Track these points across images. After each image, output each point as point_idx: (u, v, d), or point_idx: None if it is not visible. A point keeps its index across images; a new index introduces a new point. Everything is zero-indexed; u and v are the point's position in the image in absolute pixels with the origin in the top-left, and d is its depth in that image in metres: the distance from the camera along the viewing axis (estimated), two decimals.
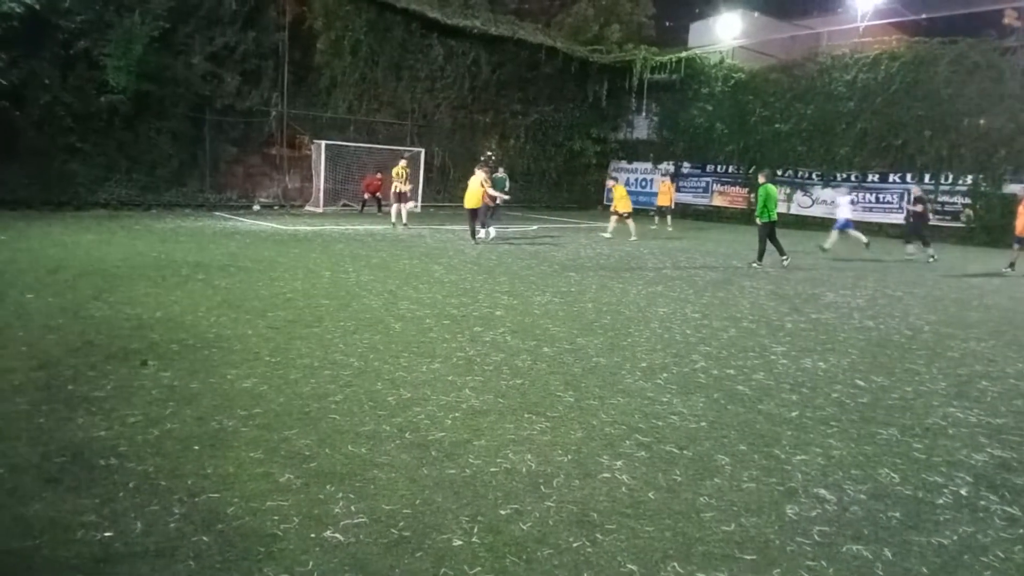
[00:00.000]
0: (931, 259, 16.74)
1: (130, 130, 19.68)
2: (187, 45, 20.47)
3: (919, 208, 17.57)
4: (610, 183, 20.07)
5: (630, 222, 18.90)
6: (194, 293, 8.55)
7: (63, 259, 10.61)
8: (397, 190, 18.74)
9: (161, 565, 2.91)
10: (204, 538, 3.12)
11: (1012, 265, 15.23)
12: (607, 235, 19.07)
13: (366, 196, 23.56)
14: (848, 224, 17.94)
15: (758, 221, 14.53)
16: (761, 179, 14.88)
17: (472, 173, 17.16)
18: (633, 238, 18.72)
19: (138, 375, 5.33)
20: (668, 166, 30.94)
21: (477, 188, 16.13)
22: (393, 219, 18.82)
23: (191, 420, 4.48)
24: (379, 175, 23.16)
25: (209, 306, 7.84)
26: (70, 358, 5.66)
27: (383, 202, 22.52)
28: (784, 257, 14.40)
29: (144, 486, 3.58)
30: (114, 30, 18.64)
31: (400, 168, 18.90)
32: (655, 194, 28.62)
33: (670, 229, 22.70)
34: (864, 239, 17.72)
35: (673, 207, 24.23)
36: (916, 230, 17.89)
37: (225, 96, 21.45)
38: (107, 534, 3.13)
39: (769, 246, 14.35)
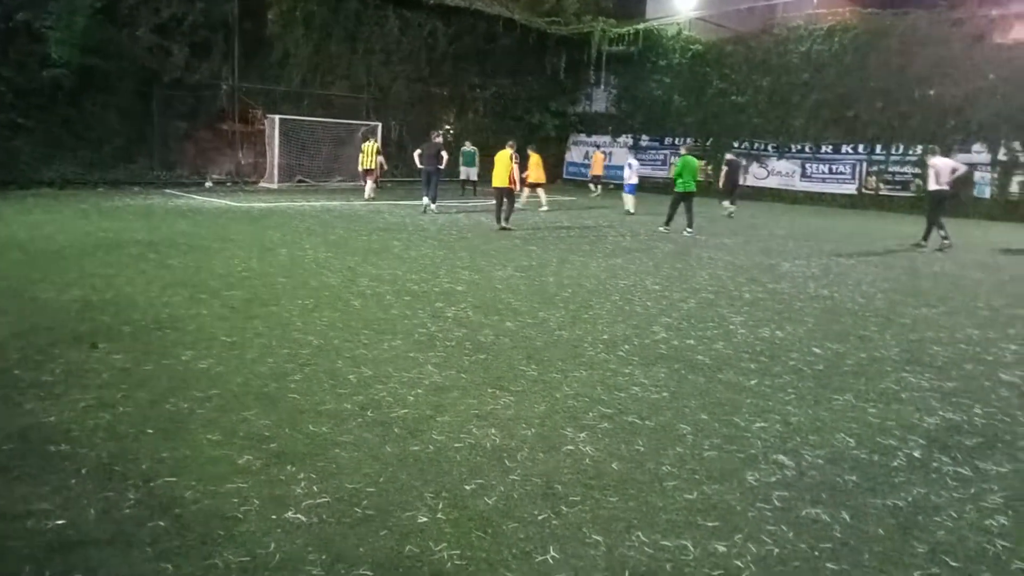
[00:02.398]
0: (730, 215, 18.88)
1: (74, 106, 19.00)
2: (132, 17, 19.78)
3: (725, 168, 20.12)
4: (592, 152, 20.14)
5: (541, 192, 19.00)
6: (145, 273, 8.32)
7: (6, 239, 10.23)
8: (366, 167, 19.64)
9: (117, 552, 2.83)
10: (161, 523, 3.04)
11: None
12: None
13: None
14: (631, 189, 18.99)
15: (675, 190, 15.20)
16: (682, 151, 15.63)
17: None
18: (544, 208, 18.80)
19: (88, 358, 5.17)
20: (627, 139, 31.03)
21: (507, 164, 14.28)
22: (368, 195, 19.60)
23: (145, 403, 4.36)
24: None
25: (161, 286, 7.64)
26: (16, 342, 5.46)
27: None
28: (690, 229, 14.84)
29: (97, 472, 3.48)
30: (56, 2, 17.91)
31: (370, 146, 19.72)
32: (614, 167, 28.80)
33: (597, 195, 24.67)
34: (632, 208, 18.77)
35: (603, 176, 25.95)
36: (728, 188, 19.86)
37: (173, 69, 20.80)
38: (60, 522, 3.03)
39: (683, 212, 14.97)
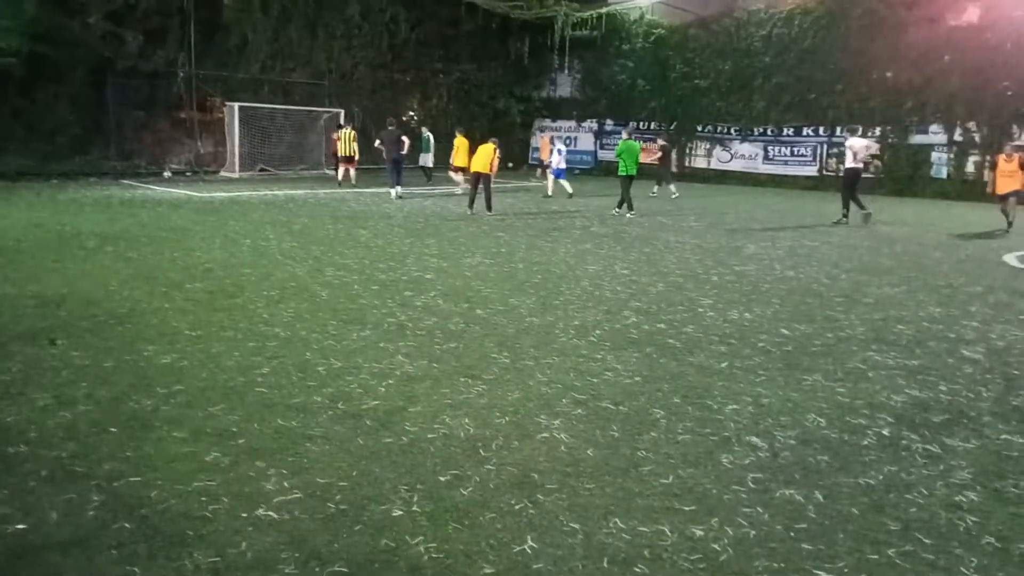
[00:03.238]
0: (673, 196, 19.62)
1: (25, 96, 18.43)
2: (83, 3, 19.20)
3: (660, 154, 20.83)
4: (539, 136, 20.15)
5: (459, 176, 18.98)
6: (104, 267, 8.09)
7: None
8: (344, 154, 19.93)
9: (80, 556, 2.74)
10: (126, 525, 2.94)
11: (1010, 224, 14.31)
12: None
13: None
14: (560, 173, 19.19)
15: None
16: (624, 135, 15.88)
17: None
18: (458, 191, 18.87)
19: (47, 356, 5.00)
20: (592, 124, 31.03)
21: (489, 154, 14.69)
22: (340, 179, 19.92)
23: (106, 401, 4.23)
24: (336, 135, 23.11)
25: (121, 280, 7.44)
26: None
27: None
28: (631, 212, 15.19)
29: (58, 473, 3.36)
30: None
31: (347, 133, 19.98)
32: (579, 152, 29.02)
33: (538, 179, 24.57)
34: (569, 189, 18.92)
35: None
36: (664, 172, 20.68)
37: (127, 57, 20.25)
38: (20, 526, 2.92)
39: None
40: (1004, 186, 14.34)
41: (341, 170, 19.95)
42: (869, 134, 24.40)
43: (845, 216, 14.91)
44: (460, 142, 18.51)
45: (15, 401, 4.18)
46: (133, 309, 6.31)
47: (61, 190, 16.57)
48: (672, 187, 20.24)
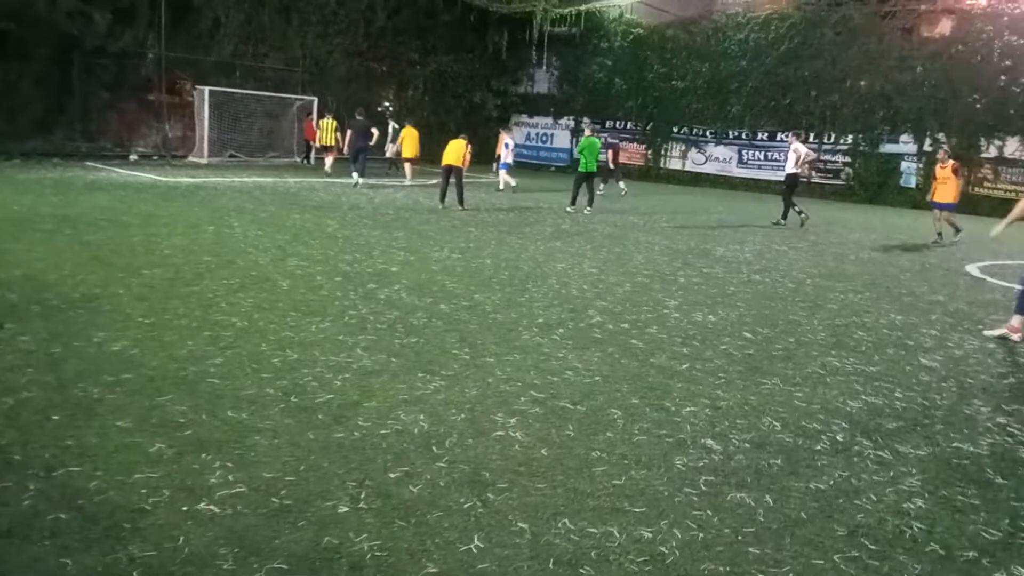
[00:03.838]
0: (622, 193, 20.06)
1: None
2: None
3: (609, 151, 20.40)
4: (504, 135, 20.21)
5: (408, 167, 19.41)
6: (60, 250, 7.89)
7: None
8: (325, 143, 20.63)
9: (13, 546, 2.64)
10: (62, 515, 2.85)
11: (940, 234, 14.30)
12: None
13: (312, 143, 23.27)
14: (505, 166, 19.46)
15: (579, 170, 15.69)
16: (587, 132, 16.04)
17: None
18: (408, 182, 19.18)
19: None
20: (568, 121, 31.03)
21: (460, 148, 14.67)
22: (328, 168, 20.08)
23: (51, 387, 4.10)
24: (311, 116, 23.44)
25: (76, 263, 7.25)
26: None
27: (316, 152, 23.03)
28: (589, 207, 15.47)
29: None
30: None
31: (328, 123, 20.68)
32: (555, 149, 29.13)
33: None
34: (513, 183, 19.24)
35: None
36: (609, 169, 20.53)
37: (95, 36, 19.77)
38: None
39: (585, 190, 15.41)
40: (941, 195, 14.04)
41: (330, 159, 20.33)
42: (841, 141, 24.74)
43: (802, 215, 15.29)
44: (408, 132, 18.97)
45: None
46: (87, 294, 6.15)
47: (22, 170, 16.15)
48: (622, 184, 20.73)
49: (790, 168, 15.53)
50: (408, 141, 18.92)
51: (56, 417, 3.74)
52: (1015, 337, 6.69)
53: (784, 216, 15.51)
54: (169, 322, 5.50)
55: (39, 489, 3.04)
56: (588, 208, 15.35)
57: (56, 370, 4.38)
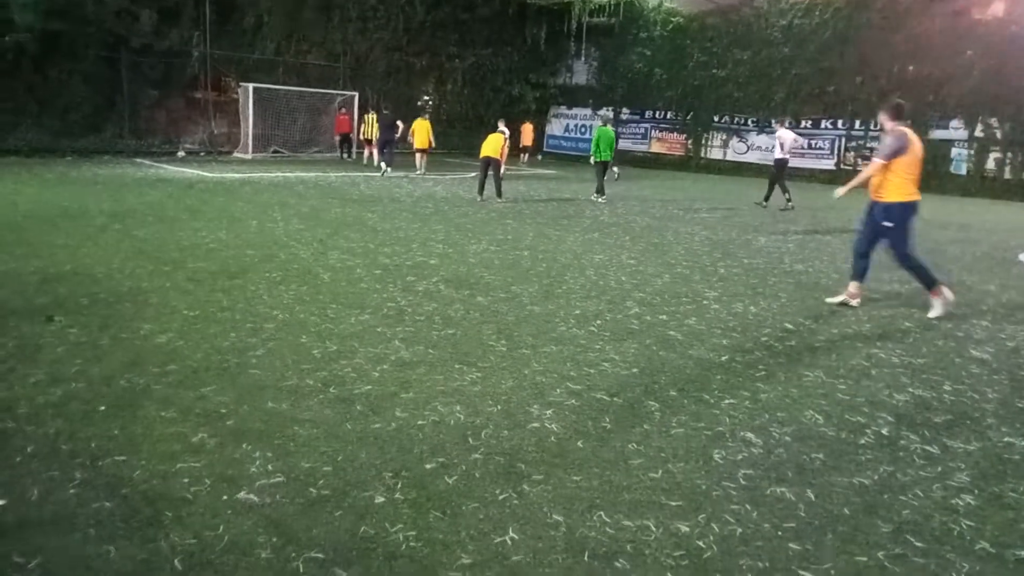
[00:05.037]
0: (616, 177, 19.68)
1: (39, 72, 18.46)
2: None
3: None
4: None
5: (420, 157, 19.96)
6: (108, 244, 8.10)
7: None
8: (367, 137, 21.89)
9: (58, 534, 2.72)
10: (107, 504, 2.92)
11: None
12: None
13: (339, 139, 23.94)
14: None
15: (592, 160, 15.96)
16: (599, 122, 16.38)
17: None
18: (419, 172, 19.76)
19: (43, 332, 5.00)
20: (607, 112, 30.78)
21: (499, 141, 14.63)
22: (377, 162, 20.64)
23: (98, 379, 4.22)
24: (344, 110, 23.94)
25: (124, 258, 7.44)
26: None
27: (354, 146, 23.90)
28: (602, 196, 15.69)
29: (43, 450, 3.35)
30: None
31: (372, 117, 21.80)
32: (590, 140, 28.84)
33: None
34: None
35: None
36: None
37: (142, 35, 20.23)
38: (0, 502, 2.91)
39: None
40: None
41: (375, 153, 21.27)
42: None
43: (789, 202, 15.72)
44: (420, 125, 19.76)
45: (7, 377, 4.18)
46: (134, 287, 6.31)
47: (74, 167, 16.64)
48: (615, 168, 20.62)
49: (777, 154, 16.03)
50: (419, 133, 19.68)
51: (103, 408, 3.83)
52: (854, 303, 7.00)
53: (767, 197, 16.15)
54: (213, 314, 5.61)
55: (85, 479, 3.12)
56: (600, 198, 15.56)
57: (103, 362, 4.50)
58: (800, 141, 17.41)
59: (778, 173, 16.02)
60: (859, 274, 7.05)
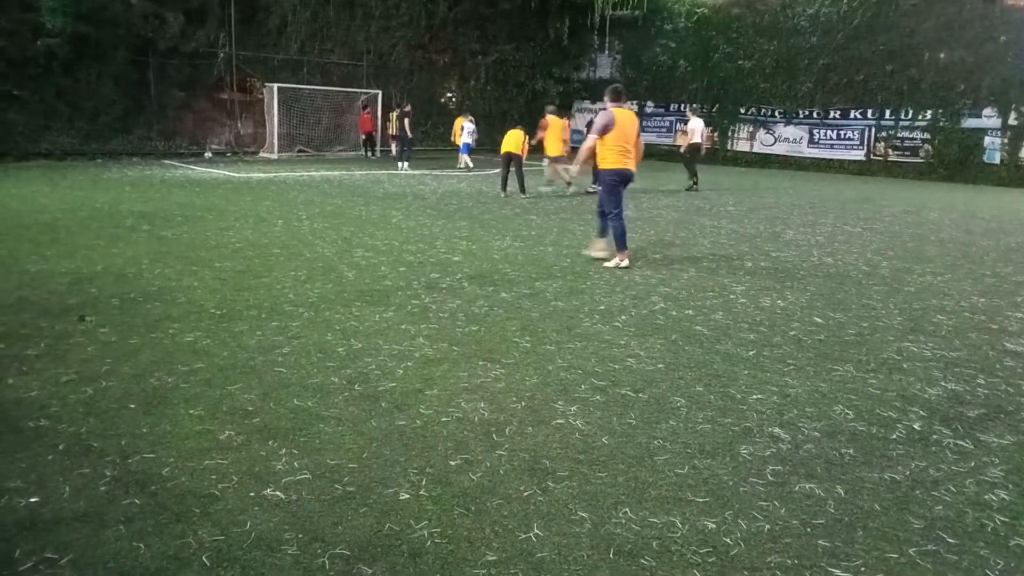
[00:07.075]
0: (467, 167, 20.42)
1: (69, 75, 18.74)
2: None
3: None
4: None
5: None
6: (138, 244, 8.22)
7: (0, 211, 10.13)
8: (392, 133, 22.03)
9: (89, 530, 2.76)
10: (136, 500, 2.96)
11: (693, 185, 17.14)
12: (460, 167, 20.58)
13: (364, 137, 24.34)
14: (466, 148, 20.63)
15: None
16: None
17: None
18: (462, 167, 20.44)
19: (74, 331, 5.09)
20: (632, 105, 30.56)
21: (519, 137, 14.73)
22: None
23: (128, 377, 4.28)
24: (368, 109, 24.27)
25: (153, 258, 7.54)
26: (2, 315, 5.38)
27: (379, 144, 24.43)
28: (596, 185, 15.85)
29: (74, 448, 3.41)
30: None
31: (396, 114, 21.76)
32: None
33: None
34: (470, 165, 20.44)
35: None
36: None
37: (169, 37, 20.45)
38: (33, 499, 2.97)
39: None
40: None
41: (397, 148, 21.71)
42: (920, 117, 23.67)
43: (695, 183, 17.15)
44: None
45: (40, 376, 4.25)
46: (163, 287, 6.39)
47: (104, 169, 16.91)
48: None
49: (693, 139, 17.46)
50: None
51: (132, 406, 3.89)
52: (612, 263, 7.91)
53: (695, 180, 17.27)
54: (240, 313, 5.67)
55: (115, 476, 3.17)
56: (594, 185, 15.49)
57: (133, 360, 4.56)
58: (707, 130, 18.95)
59: (692, 156, 17.45)
60: (602, 231, 8.36)
